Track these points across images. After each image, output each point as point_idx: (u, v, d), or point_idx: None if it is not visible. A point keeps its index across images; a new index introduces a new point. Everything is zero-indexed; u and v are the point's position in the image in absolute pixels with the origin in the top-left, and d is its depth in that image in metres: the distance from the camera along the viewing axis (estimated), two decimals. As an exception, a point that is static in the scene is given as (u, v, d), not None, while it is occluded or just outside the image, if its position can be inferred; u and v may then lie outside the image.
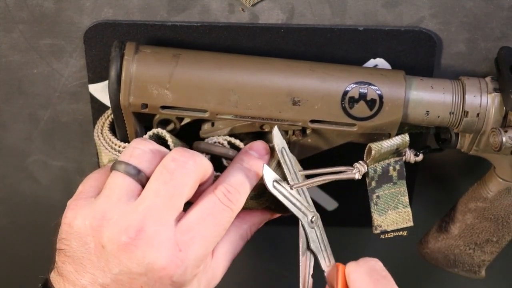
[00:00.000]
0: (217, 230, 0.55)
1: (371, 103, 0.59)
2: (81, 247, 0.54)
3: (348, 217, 0.74)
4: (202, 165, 0.55)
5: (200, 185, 0.56)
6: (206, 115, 0.59)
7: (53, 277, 0.56)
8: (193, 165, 0.54)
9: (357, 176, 0.60)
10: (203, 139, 0.62)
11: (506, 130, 0.58)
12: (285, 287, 0.80)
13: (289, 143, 0.63)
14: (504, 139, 0.58)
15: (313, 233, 0.59)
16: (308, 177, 0.60)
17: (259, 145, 0.60)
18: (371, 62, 0.64)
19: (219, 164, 0.60)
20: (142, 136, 0.61)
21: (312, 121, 0.60)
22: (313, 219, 0.59)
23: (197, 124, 0.63)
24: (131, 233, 0.53)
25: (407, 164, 0.62)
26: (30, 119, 0.68)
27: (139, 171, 0.55)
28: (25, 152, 0.71)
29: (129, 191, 0.54)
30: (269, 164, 0.59)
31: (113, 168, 0.55)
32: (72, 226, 0.55)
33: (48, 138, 0.70)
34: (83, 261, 0.54)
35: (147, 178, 0.55)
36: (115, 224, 0.53)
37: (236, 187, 0.56)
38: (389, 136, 0.60)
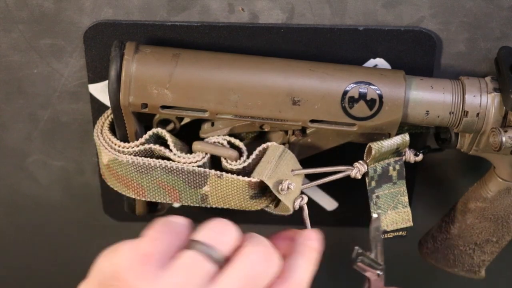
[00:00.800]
0: None
1: (371, 103, 0.59)
2: None
3: (348, 217, 0.74)
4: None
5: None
6: (206, 115, 0.59)
7: None
8: (272, 273, 0.51)
9: (357, 175, 0.60)
10: (203, 139, 0.62)
11: (506, 130, 0.58)
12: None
13: (289, 143, 0.63)
14: (504, 139, 0.58)
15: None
16: (308, 176, 0.60)
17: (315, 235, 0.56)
18: (371, 62, 0.64)
19: (219, 164, 0.61)
20: (141, 136, 0.61)
21: (312, 121, 0.60)
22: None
23: (197, 124, 0.63)
24: None
25: (407, 164, 0.62)
26: (30, 119, 0.68)
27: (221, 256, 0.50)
28: (25, 152, 0.71)
29: (207, 276, 0.49)
30: None
31: (192, 247, 0.50)
32: None
33: (48, 138, 0.70)
34: None
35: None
36: None
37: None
38: (389, 136, 0.60)
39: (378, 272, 0.56)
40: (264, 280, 0.50)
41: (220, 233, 0.50)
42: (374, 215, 0.59)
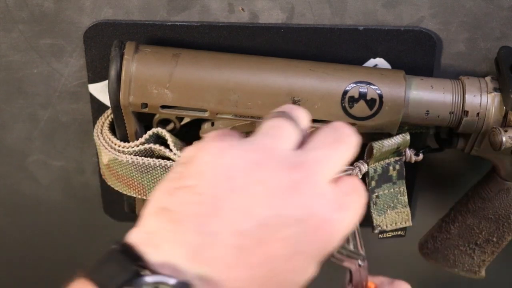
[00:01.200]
0: (358, 215, 0.48)
1: (371, 103, 0.59)
2: (224, 182, 0.43)
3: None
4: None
5: None
6: (206, 114, 0.59)
7: (150, 228, 0.43)
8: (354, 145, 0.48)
9: (358, 175, 0.60)
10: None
11: (506, 129, 0.58)
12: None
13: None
14: (504, 138, 0.58)
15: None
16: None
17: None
18: (371, 62, 0.64)
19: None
20: (141, 136, 0.61)
21: (312, 121, 0.60)
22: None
23: (197, 123, 0.63)
24: (303, 172, 0.44)
25: (407, 164, 0.62)
26: (30, 119, 0.68)
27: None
28: (25, 152, 0.71)
29: (293, 139, 0.47)
30: None
31: (286, 116, 0.48)
32: (224, 155, 0.44)
33: (48, 138, 0.70)
34: (219, 202, 0.43)
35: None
36: (282, 161, 0.44)
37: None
38: (389, 136, 0.60)
39: (359, 262, 0.55)
40: (348, 155, 0.47)
41: (300, 113, 0.48)
42: None
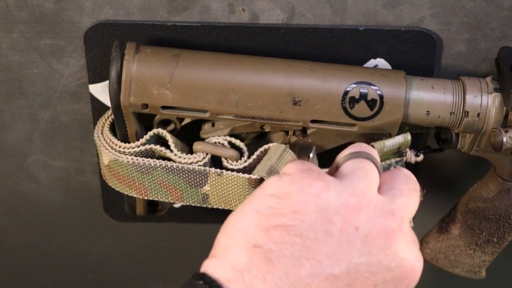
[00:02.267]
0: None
1: (371, 103, 0.59)
2: (321, 225, 0.44)
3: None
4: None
5: None
6: (206, 115, 0.59)
7: (241, 265, 0.42)
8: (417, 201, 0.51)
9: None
10: (203, 139, 0.62)
11: (507, 130, 0.58)
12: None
13: (289, 143, 0.63)
14: (504, 139, 0.58)
15: None
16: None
17: None
18: (372, 62, 0.64)
19: (220, 164, 0.60)
20: (142, 136, 0.61)
21: (313, 121, 0.60)
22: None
23: (197, 124, 0.63)
24: (397, 221, 0.46)
25: (407, 164, 0.62)
26: (30, 119, 0.68)
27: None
28: (25, 152, 0.71)
29: (377, 182, 0.48)
30: None
31: (366, 157, 0.49)
32: (321, 197, 0.45)
33: (48, 138, 0.70)
34: (315, 245, 0.43)
35: None
36: (376, 207, 0.46)
37: None
38: (389, 136, 0.60)
39: None
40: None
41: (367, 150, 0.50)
42: (310, 155, 0.54)
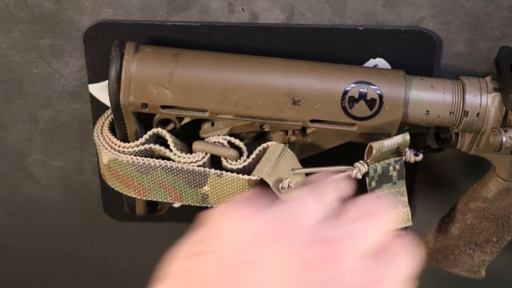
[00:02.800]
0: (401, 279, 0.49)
1: (371, 103, 0.59)
2: (235, 256, 0.44)
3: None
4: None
5: None
6: (206, 114, 0.59)
7: None
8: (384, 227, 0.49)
9: (358, 175, 0.60)
10: (203, 139, 0.62)
11: (506, 130, 0.58)
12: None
13: (289, 143, 0.63)
14: (504, 139, 0.58)
15: None
16: (307, 175, 0.60)
17: None
18: (371, 62, 0.64)
19: (219, 164, 0.60)
20: (142, 136, 0.61)
21: (312, 121, 0.60)
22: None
23: (197, 123, 0.63)
24: (324, 248, 0.45)
25: (407, 164, 0.62)
26: (30, 119, 0.68)
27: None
28: (25, 152, 0.71)
29: (318, 213, 0.48)
30: None
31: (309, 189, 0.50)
32: (240, 226, 0.45)
33: (48, 138, 0.70)
34: (229, 277, 0.43)
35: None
36: (303, 237, 0.45)
37: None
38: (389, 136, 0.60)
39: None
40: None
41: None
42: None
